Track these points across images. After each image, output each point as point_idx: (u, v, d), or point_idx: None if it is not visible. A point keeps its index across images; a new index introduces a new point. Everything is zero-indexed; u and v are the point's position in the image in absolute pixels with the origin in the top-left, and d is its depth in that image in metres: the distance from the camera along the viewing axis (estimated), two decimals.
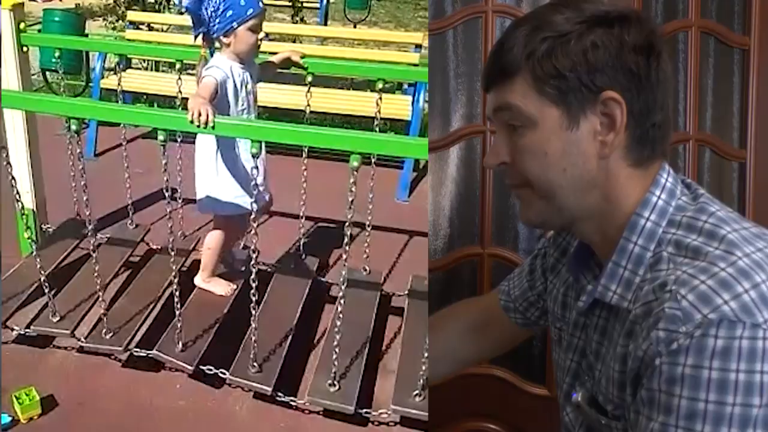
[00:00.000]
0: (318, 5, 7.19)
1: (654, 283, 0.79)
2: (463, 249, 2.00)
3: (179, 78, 2.51)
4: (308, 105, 2.47)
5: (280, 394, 2.06)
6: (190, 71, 3.10)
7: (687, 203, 0.85)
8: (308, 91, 2.42)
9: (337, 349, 1.97)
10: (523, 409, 1.97)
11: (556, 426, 1.06)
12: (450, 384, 1.87)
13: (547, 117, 0.83)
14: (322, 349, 2.20)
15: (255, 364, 2.04)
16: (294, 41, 5.32)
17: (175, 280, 2.04)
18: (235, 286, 2.38)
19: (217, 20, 2.00)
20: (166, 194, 2.06)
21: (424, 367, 1.93)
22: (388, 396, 2.04)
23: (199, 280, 2.41)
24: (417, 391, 1.96)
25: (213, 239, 2.35)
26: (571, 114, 0.83)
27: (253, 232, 1.89)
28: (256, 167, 1.83)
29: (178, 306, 2.07)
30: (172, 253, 1.98)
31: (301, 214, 2.65)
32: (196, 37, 2.08)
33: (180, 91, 2.52)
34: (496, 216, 1.98)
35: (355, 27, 7.12)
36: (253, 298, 1.97)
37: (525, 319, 1.20)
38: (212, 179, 2.18)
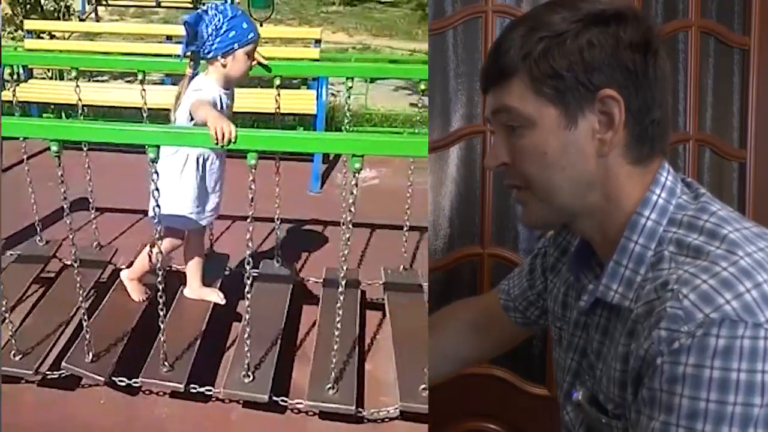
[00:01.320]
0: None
1: (655, 283, 0.79)
2: (463, 249, 2.00)
3: (143, 90, 2.37)
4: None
5: (194, 386, 2.00)
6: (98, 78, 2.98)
7: (687, 202, 0.85)
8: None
9: (248, 341, 1.94)
10: (523, 409, 1.97)
11: (556, 426, 1.06)
12: (450, 384, 1.86)
13: (546, 117, 0.83)
14: (237, 342, 2.16)
15: (166, 363, 1.98)
16: None
17: (82, 293, 1.96)
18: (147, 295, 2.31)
19: (218, 40, 1.93)
20: (66, 207, 1.86)
21: (334, 360, 1.92)
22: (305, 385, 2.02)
23: (188, 291, 2.36)
24: (330, 385, 1.93)
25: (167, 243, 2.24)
26: (569, 113, 0.83)
27: (157, 236, 1.86)
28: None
29: (85, 318, 1.98)
30: (76, 265, 1.91)
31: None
32: (185, 53, 2.01)
33: (145, 103, 2.41)
34: (496, 216, 1.98)
35: (261, 26, 7.17)
36: (161, 300, 1.91)
37: (525, 318, 1.20)
38: (175, 192, 2.09)
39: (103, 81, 5.17)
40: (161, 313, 1.94)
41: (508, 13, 1.93)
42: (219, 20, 1.92)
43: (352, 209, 1.76)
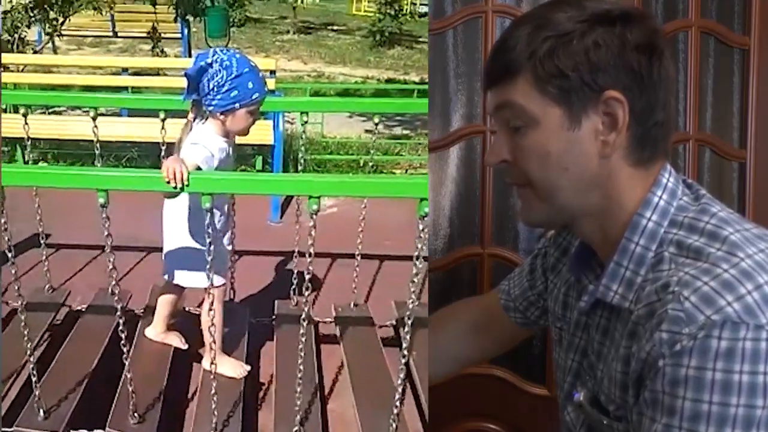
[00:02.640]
0: (180, 36, 7.27)
1: (656, 284, 0.79)
2: (463, 249, 2.00)
3: (95, 126, 2.22)
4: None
5: None
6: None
7: (688, 203, 0.85)
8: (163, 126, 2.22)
9: (214, 398, 1.78)
10: (523, 409, 1.98)
11: (556, 426, 1.06)
12: (450, 384, 1.86)
13: (549, 116, 0.83)
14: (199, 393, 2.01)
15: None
16: (157, 74, 5.32)
17: (30, 346, 1.79)
18: (248, 367, 2.13)
19: (219, 97, 1.81)
20: (8, 251, 1.74)
21: (298, 402, 1.78)
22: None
23: (151, 332, 2.22)
24: (296, 428, 1.81)
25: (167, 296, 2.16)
26: (573, 113, 0.83)
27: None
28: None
29: (34, 372, 1.78)
30: (22, 316, 1.76)
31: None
32: (185, 101, 1.88)
33: (98, 139, 2.27)
34: (496, 216, 1.98)
35: None
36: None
37: (525, 318, 1.20)
38: (185, 246, 1.99)
39: (59, 113, 5.09)
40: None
41: (508, 13, 1.93)
42: (222, 77, 1.79)
43: (310, 260, 1.62)
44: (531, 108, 0.84)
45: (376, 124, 2.33)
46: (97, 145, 2.26)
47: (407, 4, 12.97)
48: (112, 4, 6.09)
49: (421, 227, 1.48)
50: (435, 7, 1.97)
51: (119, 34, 9.03)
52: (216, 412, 1.78)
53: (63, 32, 8.16)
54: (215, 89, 1.80)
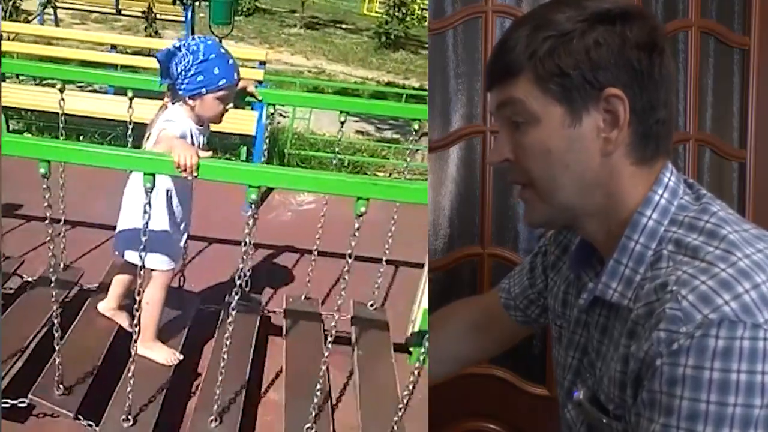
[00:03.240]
0: (183, 19, 7.19)
1: (654, 282, 0.79)
2: (463, 249, 2.00)
3: (62, 99, 2.15)
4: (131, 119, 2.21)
5: None
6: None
7: (689, 203, 0.85)
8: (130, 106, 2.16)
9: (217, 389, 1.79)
10: (523, 409, 1.98)
11: (556, 426, 1.06)
12: (450, 384, 1.86)
13: (551, 114, 0.84)
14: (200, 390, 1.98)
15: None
16: (148, 55, 5.33)
17: (53, 314, 1.73)
18: (180, 356, 2.09)
19: (186, 81, 1.81)
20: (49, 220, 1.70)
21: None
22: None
23: (102, 306, 2.17)
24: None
25: (154, 292, 2.05)
26: (575, 111, 0.83)
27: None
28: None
29: (58, 342, 1.76)
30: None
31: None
32: (161, 85, 1.89)
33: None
34: (496, 216, 1.98)
35: (220, 42, 7.31)
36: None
37: (525, 317, 1.20)
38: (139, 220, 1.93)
39: (52, 85, 5.14)
40: (132, 354, 1.74)
41: (508, 13, 1.93)
42: (188, 62, 1.79)
43: (245, 249, 1.62)
44: (532, 105, 0.84)
45: (343, 124, 2.30)
46: (62, 118, 2.25)
47: (417, 8, 12.99)
48: None
49: (356, 226, 1.50)
50: (435, 7, 1.98)
51: (123, 12, 9.01)
52: (130, 396, 1.75)
53: (69, 6, 8.18)
54: (183, 73, 1.81)
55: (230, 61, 1.85)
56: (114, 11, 8.79)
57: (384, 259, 2.32)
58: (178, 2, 6.71)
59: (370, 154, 5.35)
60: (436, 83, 1.98)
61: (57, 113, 2.21)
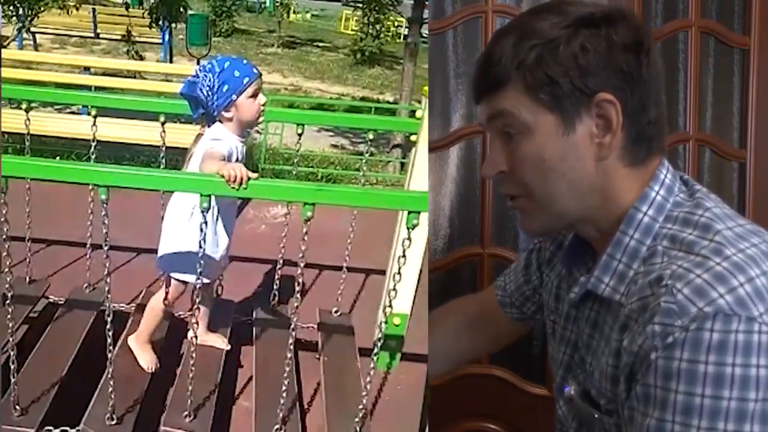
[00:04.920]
0: (160, 41, 7.34)
1: (648, 277, 0.79)
2: (463, 249, 2.00)
3: (27, 119, 2.28)
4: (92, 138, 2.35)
5: None
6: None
7: (684, 200, 0.85)
8: (93, 124, 2.30)
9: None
10: (523, 409, 1.97)
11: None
12: (450, 384, 1.87)
13: (543, 123, 0.83)
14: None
15: (114, 416, 1.82)
16: (134, 77, 5.35)
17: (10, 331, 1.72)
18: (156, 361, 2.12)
19: (215, 97, 1.90)
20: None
21: (281, 401, 1.82)
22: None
23: (132, 342, 2.16)
24: (277, 426, 1.85)
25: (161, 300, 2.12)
26: (567, 119, 0.83)
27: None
28: None
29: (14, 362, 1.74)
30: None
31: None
32: (196, 118, 1.98)
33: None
34: (496, 216, 1.98)
35: (198, 63, 7.33)
36: (109, 348, 1.76)
37: (521, 313, 1.20)
38: (183, 239, 1.99)
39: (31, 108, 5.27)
40: (109, 355, 1.76)
41: (508, 13, 1.93)
42: (210, 79, 1.88)
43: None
44: (524, 116, 0.84)
45: (300, 136, 2.38)
46: (28, 137, 2.37)
47: (392, 25, 13.07)
48: (78, 5, 6.18)
49: (304, 230, 1.57)
50: (435, 7, 1.98)
51: (101, 36, 9.11)
52: (113, 396, 1.79)
53: (42, 31, 8.23)
54: (210, 93, 1.89)
55: (244, 61, 1.96)
56: (93, 35, 8.89)
57: (344, 266, 2.41)
58: (154, 25, 6.75)
59: (343, 167, 5.48)
60: (436, 83, 1.98)
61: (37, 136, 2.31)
